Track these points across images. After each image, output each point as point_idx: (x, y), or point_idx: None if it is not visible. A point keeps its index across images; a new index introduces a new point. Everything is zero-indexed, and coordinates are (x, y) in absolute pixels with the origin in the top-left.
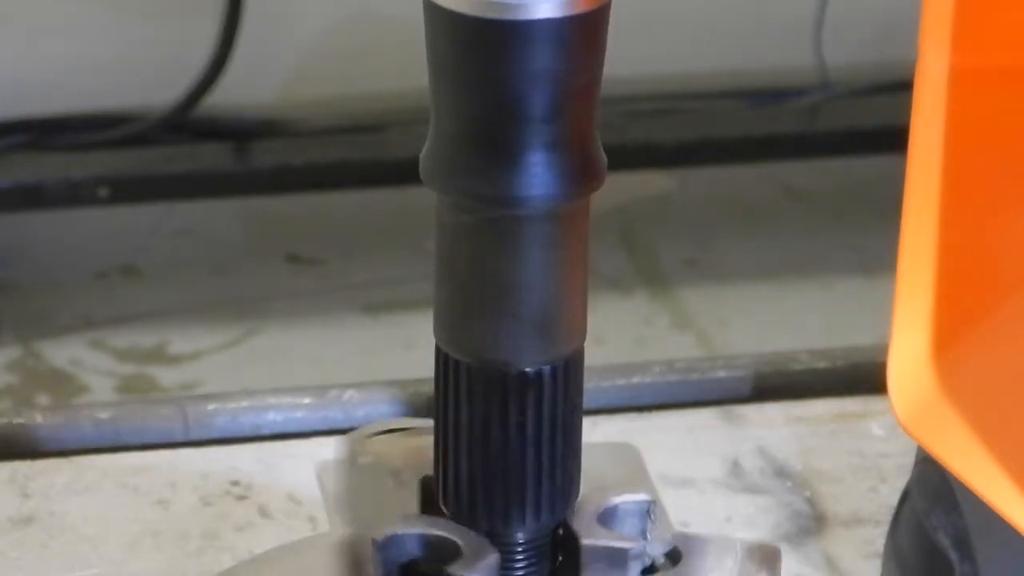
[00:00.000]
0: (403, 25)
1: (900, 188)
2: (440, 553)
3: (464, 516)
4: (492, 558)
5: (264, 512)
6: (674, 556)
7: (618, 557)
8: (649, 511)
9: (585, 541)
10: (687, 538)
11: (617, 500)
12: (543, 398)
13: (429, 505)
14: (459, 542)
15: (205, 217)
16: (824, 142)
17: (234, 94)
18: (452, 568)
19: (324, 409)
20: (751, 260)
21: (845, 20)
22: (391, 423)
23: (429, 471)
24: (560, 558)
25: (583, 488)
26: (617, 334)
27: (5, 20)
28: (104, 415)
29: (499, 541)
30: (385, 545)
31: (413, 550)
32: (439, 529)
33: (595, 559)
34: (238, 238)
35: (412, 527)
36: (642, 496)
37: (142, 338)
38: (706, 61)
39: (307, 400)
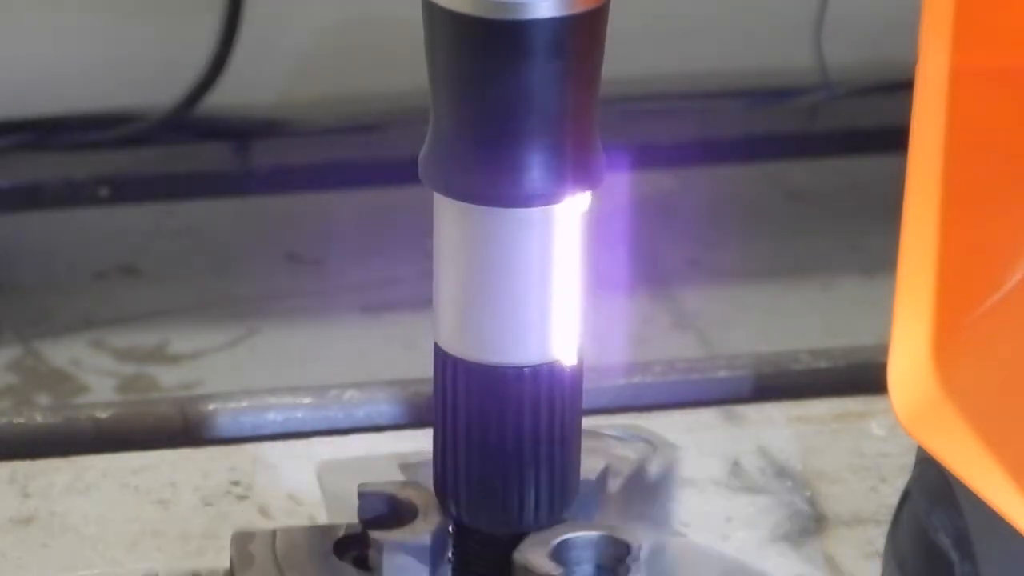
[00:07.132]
0: (403, 25)
1: (900, 188)
2: None
3: (463, 515)
4: None
5: (264, 512)
6: None
7: None
8: None
9: None
10: None
11: None
12: (543, 398)
13: None
14: None
15: (205, 217)
16: (824, 142)
17: (234, 94)
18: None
19: (324, 409)
20: (751, 260)
21: (845, 20)
22: None
23: None
24: None
25: None
26: (617, 334)
27: (5, 20)
28: (104, 415)
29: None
30: None
31: None
32: None
33: None
34: (238, 238)
35: None
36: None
37: (142, 338)
38: (706, 61)
39: (307, 400)
